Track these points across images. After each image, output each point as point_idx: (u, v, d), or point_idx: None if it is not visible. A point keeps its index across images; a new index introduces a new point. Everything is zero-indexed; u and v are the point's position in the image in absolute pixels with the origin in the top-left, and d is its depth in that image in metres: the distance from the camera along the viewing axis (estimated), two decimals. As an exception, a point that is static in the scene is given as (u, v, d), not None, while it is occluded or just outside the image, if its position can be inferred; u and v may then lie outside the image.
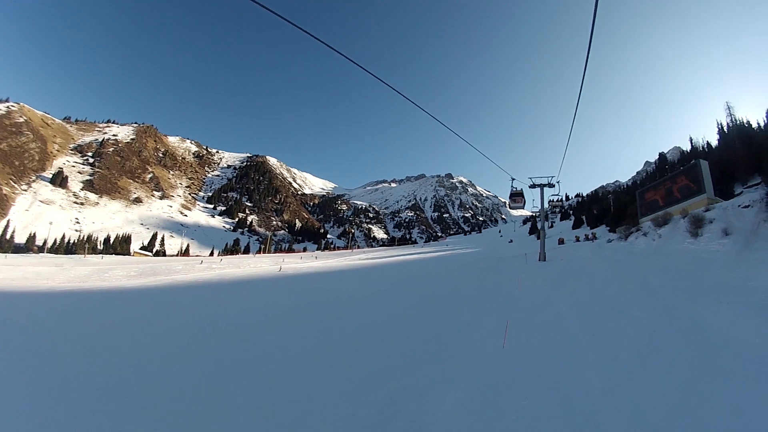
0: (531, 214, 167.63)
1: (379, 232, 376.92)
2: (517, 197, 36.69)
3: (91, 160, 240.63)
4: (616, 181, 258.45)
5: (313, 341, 11.92)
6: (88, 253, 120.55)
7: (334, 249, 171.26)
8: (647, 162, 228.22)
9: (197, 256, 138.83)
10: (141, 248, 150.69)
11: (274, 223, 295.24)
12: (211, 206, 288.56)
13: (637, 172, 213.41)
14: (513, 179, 35.57)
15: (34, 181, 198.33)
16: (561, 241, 64.94)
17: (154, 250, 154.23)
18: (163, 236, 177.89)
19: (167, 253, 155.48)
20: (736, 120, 55.21)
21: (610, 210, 75.00)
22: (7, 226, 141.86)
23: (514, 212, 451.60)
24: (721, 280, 14.09)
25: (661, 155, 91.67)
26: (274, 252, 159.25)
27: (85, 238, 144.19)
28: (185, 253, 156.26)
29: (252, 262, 74.19)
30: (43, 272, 61.61)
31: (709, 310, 10.05)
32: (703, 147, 69.36)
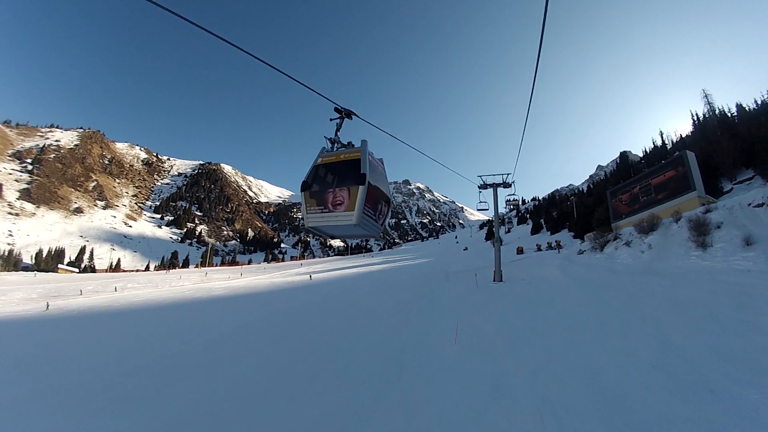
0: (488, 218, 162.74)
1: (335, 240, 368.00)
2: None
3: (30, 168, 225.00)
4: (570, 184, 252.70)
5: None
6: (8, 270, 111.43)
7: (281, 261, 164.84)
8: (599, 166, 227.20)
9: (136, 270, 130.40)
10: (69, 263, 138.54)
11: (225, 232, 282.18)
12: (159, 216, 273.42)
13: (590, 176, 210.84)
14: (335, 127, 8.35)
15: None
16: (520, 251, 58.41)
17: (83, 266, 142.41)
18: (92, 250, 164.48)
19: (97, 268, 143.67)
20: (714, 109, 49.54)
21: (573, 214, 68.91)
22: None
23: (471, 217, 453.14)
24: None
25: (623, 154, 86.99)
26: (220, 265, 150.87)
27: (7, 253, 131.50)
28: (116, 268, 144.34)
29: (176, 280, 66.76)
30: (-76, 295, 53.47)
31: None
32: (673, 141, 63.05)
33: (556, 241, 56.23)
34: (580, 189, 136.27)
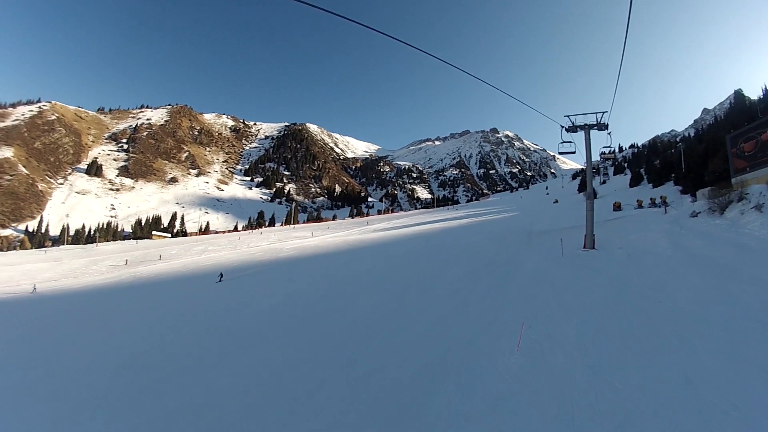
0: (581, 167, 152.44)
1: (422, 192, 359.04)
2: None
3: (125, 147, 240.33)
4: (672, 130, 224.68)
5: None
6: (111, 240, 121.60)
7: (365, 215, 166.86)
8: (705, 109, 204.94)
9: (224, 232, 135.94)
10: (163, 229, 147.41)
11: (313, 190, 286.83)
12: (249, 179, 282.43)
13: (695, 120, 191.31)
14: None
15: (70, 173, 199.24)
16: (617, 207, 51.25)
17: (175, 230, 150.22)
18: (183, 215, 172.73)
19: (189, 231, 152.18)
20: None
21: (680, 164, 59.87)
22: (41, 221, 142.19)
23: (564, 165, 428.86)
24: None
25: (738, 93, 76.14)
26: (306, 221, 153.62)
27: (106, 225, 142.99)
28: (205, 231, 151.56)
29: (254, 241, 67.68)
30: (33, 270, 57.40)
31: None
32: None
33: (661, 197, 48.72)
34: (687, 135, 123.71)
